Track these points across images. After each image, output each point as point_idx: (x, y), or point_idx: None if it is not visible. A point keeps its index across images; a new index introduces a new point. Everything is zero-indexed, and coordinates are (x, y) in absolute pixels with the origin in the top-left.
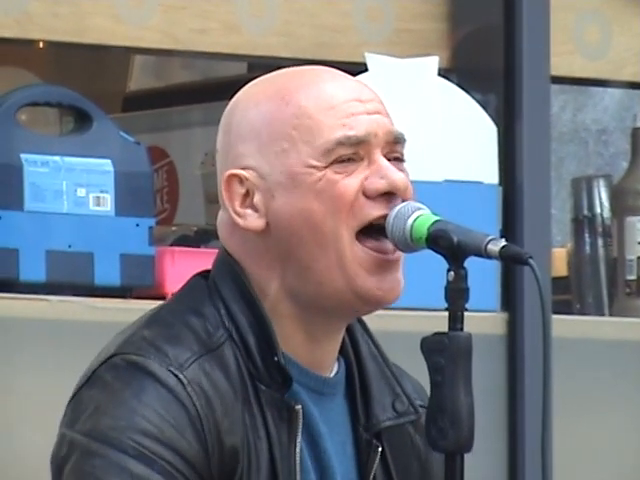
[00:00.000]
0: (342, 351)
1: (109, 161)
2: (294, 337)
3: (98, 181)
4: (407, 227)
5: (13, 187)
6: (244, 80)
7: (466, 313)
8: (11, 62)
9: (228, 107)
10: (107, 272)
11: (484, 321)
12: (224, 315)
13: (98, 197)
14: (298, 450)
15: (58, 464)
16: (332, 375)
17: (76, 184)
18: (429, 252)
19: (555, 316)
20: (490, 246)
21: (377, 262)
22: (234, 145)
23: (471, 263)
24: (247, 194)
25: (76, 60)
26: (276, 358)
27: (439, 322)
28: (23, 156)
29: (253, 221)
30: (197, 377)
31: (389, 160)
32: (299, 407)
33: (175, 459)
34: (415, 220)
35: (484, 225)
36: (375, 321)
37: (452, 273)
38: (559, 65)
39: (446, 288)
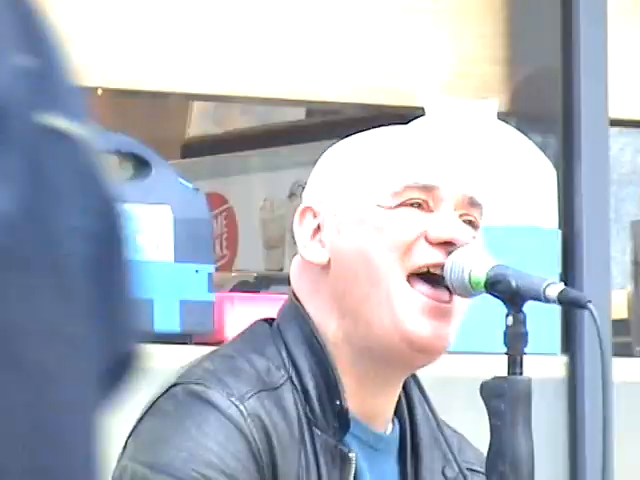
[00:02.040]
0: (397, 412)
1: (168, 207)
2: (348, 386)
3: (157, 228)
4: (466, 272)
5: None
6: (303, 125)
7: (526, 357)
8: None
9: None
10: (167, 319)
11: (544, 364)
12: (285, 358)
13: (157, 244)
14: None
15: None
16: (387, 433)
17: (135, 231)
18: (488, 297)
19: (615, 358)
20: (549, 290)
21: (428, 307)
22: (315, 182)
23: (532, 306)
24: (318, 228)
25: (135, 107)
26: (338, 402)
27: (499, 367)
28: None
29: (317, 255)
30: (257, 411)
31: (463, 222)
32: (353, 455)
33: None
34: (474, 265)
35: (544, 269)
36: (435, 365)
37: (511, 317)
38: (617, 107)
39: (505, 332)
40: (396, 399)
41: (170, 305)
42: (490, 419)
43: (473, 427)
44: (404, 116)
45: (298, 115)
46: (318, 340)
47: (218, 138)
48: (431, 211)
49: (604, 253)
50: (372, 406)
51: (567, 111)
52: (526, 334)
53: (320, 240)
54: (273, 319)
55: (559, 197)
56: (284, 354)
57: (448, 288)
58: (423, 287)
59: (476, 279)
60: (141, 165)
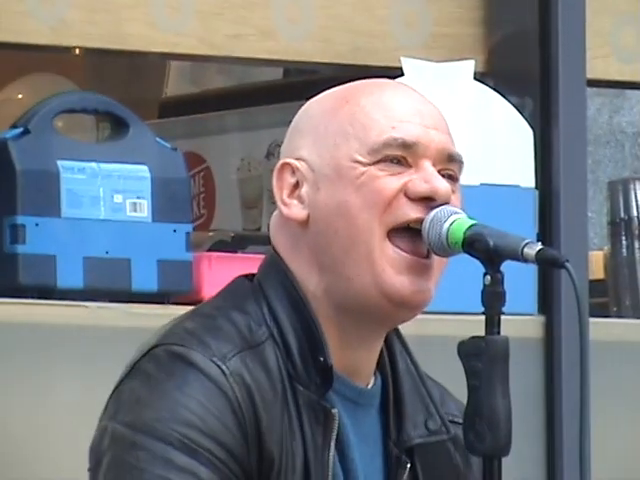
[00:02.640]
0: (379, 366)
1: (146, 167)
2: (331, 343)
3: (135, 187)
4: (443, 231)
5: (50, 194)
6: (280, 85)
7: (503, 316)
8: (48, 69)
9: (299, 111)
10: (144, 278)
11: (521, 324)
12: (266, 314)
13: (135, 203)
14: (332, 454)
15: (98, 456)
16: (369, 387)
17: (113, 190)
18: (465, 256)
19: (592, 319)
20: (526, 250)
21: (407, 263)
22: (293, 138)
23: (508, 266)
24: (297, 185)
25: (112, 67)
26: (322, 358)
27: (476, 326)
28: (60, 163)
29: (297, 211)
30: (239, 369)
31: (442, 176)
32: (335, 410)
33: (218, 450)
34: (452, 224)
35: (521, 229)
36: (412, 325)
37: (488, 277)
38: (595, 68)
39: (483, 292)
40: (378, 353)
41: (148, 264)
42: (468, 379)
43: (451, 387)
44: (381, 76)
45: (275, 75)
46: (299, 295)
47: (195, 98)
48: (410, 167)
49: (581, 213)
50: (354, 361)
51: (544, 71)
52: (504, 294)
53: (299, 196)
54: (254, 274)
55: (536, 157)
56: (265, 310)
57: None
58: (402, 243)
59: (454, 238)
60: (119, 125)
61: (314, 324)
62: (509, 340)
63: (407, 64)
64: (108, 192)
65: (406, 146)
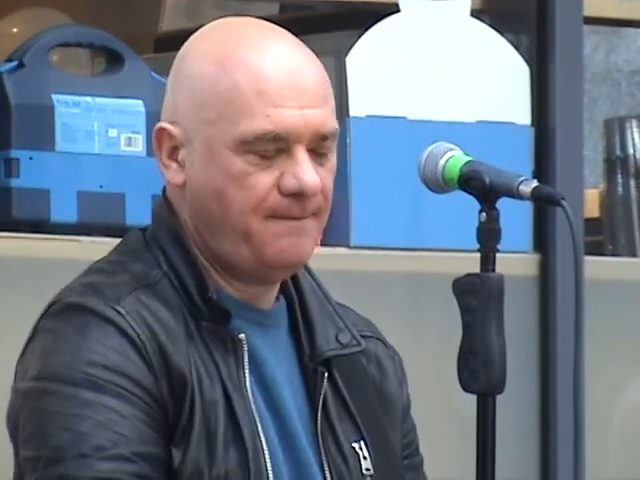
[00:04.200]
0: (283, 287)
1: (140, 102)
2: (222, 281)
3: (129, 122)
4: (439, 168)
5: (44, 128)
6: (276, 20)
7: (498, 254)
8: (43, 3)
9: (180, 52)
10: (139, 213)
11: (516, 262)
12: (161, 260)
13: (129, 138)
14: (247, 378)
15: (14, 419)
16: (271, 308)
17: (107, 125)
18: (461, 193)
19: (587, 257)
20: (522, 187)
21: (284, 228)
22: (173, 93)
23: (503, 204)
24: (175, 147)
25: (108, 1)
26: (209, 294)
27: (471, 263)
28: (55, 97)
29: (176, 175)
30: (135, 306)
31: (315, 154)
32: (242, 335)
33: (125, 382)
34: (447, 161)
35: (516, 166)
36: (408, 262)
37: (484, 214)
38: (592, 6)
39: (478, 229)
40: (277, 286)
41: (142, 199)
42: (462, 316)
43: (446, 324)
44: (378, 12)
45: (271, 10)
46: (183, 237)
47: (191, 33)
48: (282, 152)
49: (577, 151)
50: (254, 294)
51: (541, 9)
52: (499, 231)
53: (177, 160)
54: (146, 228)
55: (532, 94)
56: (160, 257)
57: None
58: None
59: (449, 175)
60: (114, 59)
61: (195, 262)
62: (504, 278)
63: (404, 1)
64: (103, 126)
65: (278, 139)
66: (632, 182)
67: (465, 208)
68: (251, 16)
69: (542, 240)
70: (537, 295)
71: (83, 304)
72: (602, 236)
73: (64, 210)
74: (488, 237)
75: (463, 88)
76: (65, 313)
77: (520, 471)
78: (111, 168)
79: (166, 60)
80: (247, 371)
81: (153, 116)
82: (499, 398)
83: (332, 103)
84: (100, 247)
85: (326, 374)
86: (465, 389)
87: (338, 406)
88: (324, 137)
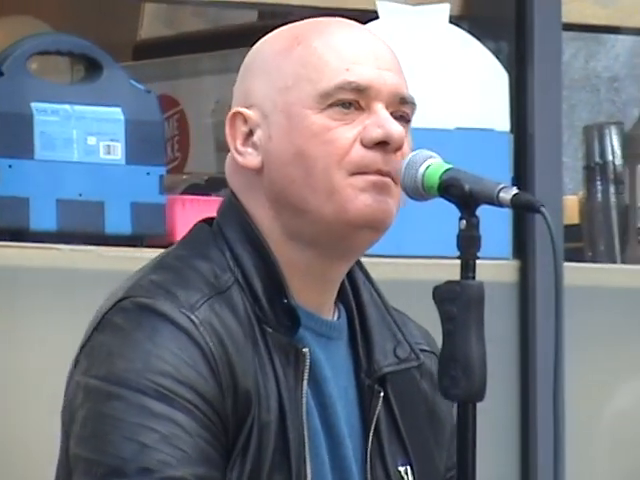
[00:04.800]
0: (342, 297)
1: (119, 109)
2: (295, 280)
3: (109, 129)
4: (419, 175)
5: (23, 136)
6: (254, 28)
7: (478, 261)
8: (22, 11)
9: (248, 54)
10: (118, 221)
11: (496, 269)
12: (229, 259)
13: (109, 145)
14: (304, 392)
15: (72, 411)
16: (335, 319)
17: (87, 132)
18: (441, 201)
19: (567, 264)
20: (502, 194)
21: (369, 181)
22: (245, 81)
23: (483, 211)
24: (250, 133)
25: (87, 8)
26: (285, 300)
27: (452, 270)
28: (33, 105)
29: (251, 160)
30: (208, 317)
31: (395, 118)
32: (306, 350)
33: (194, 397)
34: (427, 168)
35: (496, 173)
36: (388, 269)
37: (464, 221)
38: (571, 12)
39: (458, 236)
40: (339, 285)
41: (121, 207)
42: (442, 323)
43: None
44: (357, 19)
45: (250, 17)
46: (259, 237)
47: (170, 40)
48: (362, 110)
49: (556, 157)
50: (321, 297)
51: (520, 15)
52: (479, 238)
53: (253, 143)
54: (213, 218)
55: (511, 101)
56: (228, 255)
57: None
58: (360, 175)
59: (429, 182)
60: (93, 67)
61: (274, 266)
62: (484, 285)
63: (382, 7)
64: (82, 134)
65: (359, 90)
66: (611, 188)
67: (445, 215)
68: (230, 23)
69: (522, 247)
70: (517, 302)
71: (157, 308)
72: (582, 242)
73: (43, 218)
74: (468, 244)
75: (442, 95)
76: (136, 313)
77: (501, 478)
78: (90, 176)
79: (145, 67)
80: (305, 386)
81: (132, 124)
82: (479, 405)
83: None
84: (80, 255)
85: (381, 394)
86: (445, 396)
87: (389, 427)
88: (403, 99)
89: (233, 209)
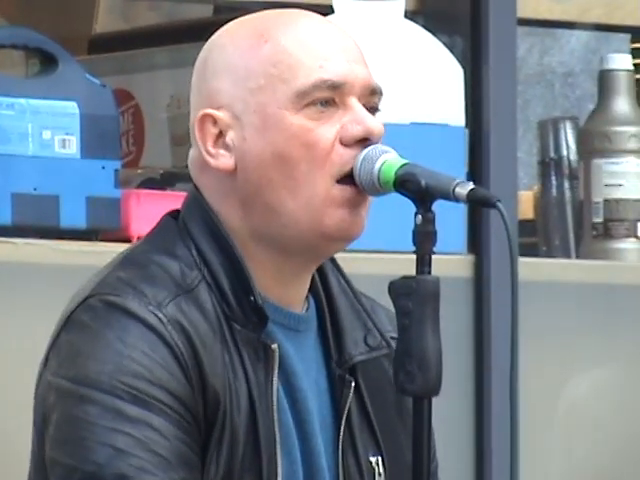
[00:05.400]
0: (311, 288)
1: (75, 103)
2: (263, 277)
3: (64, 123)
4: (375, 171)
5: None
6: (210, 22)
7: (433, 256)
8: None
9: (204, 47)
10: (73, 215)
11: (451, 264)
12: (196, 256)
13: (64, 139)
14: (275, 389)
15: (44, 412)
16: (304, 311)
17: (41, 126)
18: (397, 195)
19: (522, 259)
20: (458, 189)
21: (348, 196)
22: (209, 81)
23: (437, 205)
24: (220, 134)
25: (42, 2)
26: (252, 298)
27: (407, 265)
28: None
29: (224, 161)
30: (176, 315)
31: (367, 110)
32: (275, 346)
33: (168, 398)
34: (383, 164)
35: (451, 167)
36: (343, 264)
37: (420, 216)
38: (525, 7)
39: (414, 231)
40: (310, 278)
41: (76, 201)
42: (398, 318)
43: None
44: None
45: (205, 12)
46: (225, 236)
47: (125, 34)
48: (337, 106)
49: (511, 152)
50: (290, 292)
51: (475, 10)
52: (435, 233)
53: (224, 144)
54: (179, 211)
55: (466, 96)
56: (194, 252)
57: None
58: (341, 186)
59: (385, 178)
60: (48, 61)
61: (240, 264)
62: (440, 280)
63: (337, 2)
64: (37, 128)
65: (335, 86)
66: (566, 184)
67: (400, 209)
68: (185, 17)
69: (476, 241)
70: (472, 296)
71: (125, 305)
72: (536, 237)
73: None
74: (424, 239)
75: (397, 90)
76: (104, 311)
77: (456, 472)
78: (45, 170)
79: (100, 62)
80: (275, 382)
81: (87, 118)
82: (435, 400)
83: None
84: (35, 249)
85: (353, 384)
86: (401, 392)
87: (361, 417)
88: (373, 91)
89: (197, 205)
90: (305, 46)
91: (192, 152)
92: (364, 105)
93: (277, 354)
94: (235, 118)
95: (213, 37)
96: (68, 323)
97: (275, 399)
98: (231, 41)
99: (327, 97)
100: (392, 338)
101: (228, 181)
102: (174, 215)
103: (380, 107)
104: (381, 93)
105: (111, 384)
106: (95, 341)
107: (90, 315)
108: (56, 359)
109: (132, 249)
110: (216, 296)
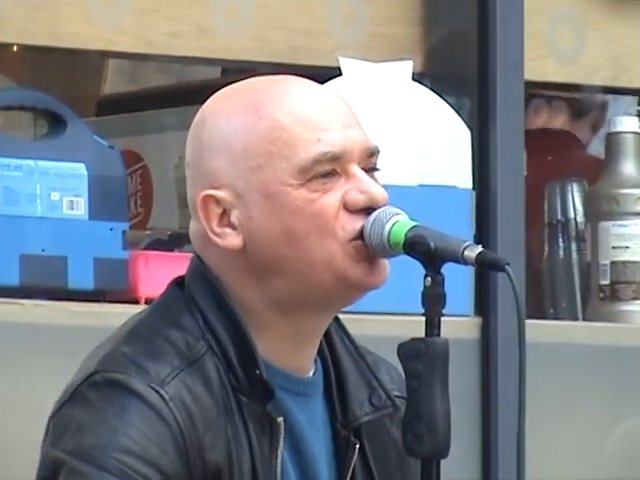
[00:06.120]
0: (318, 349)
1: (83, 165)
2: (277, 345)
3: (72, 185)
4: (385, 233)
5: None
6: (218, 84)
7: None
8: None
9: (196, 120)
10: (81, 276)
11: (458, 325)
12: (203, 326)
13: (72, 201)
14: (279, 462)
15: None
16: (312, 375)
17: (50, 188)
18: (406, 257)
19: (528, 320)
20: (467, 252)
21: (365, 252)
22: (206, 160)
23: (445, 266)
24: (224, 212)
25: (50, 64)
26: (258, 371)
27: (416, 327)
28: None
29: (232, 240)
30: (179, 392)
31: (365, 171)
32: (280, 419)
33: (157, 476)
34: (393, 225)
35: (458, 229)
36: (352, 325)
37: (429, 279)
38: (533, 70)
39: (423, 294)
40: (319, 342)
41: (84, 262)
42: (407, 380)
43: None
44: (320, 76)
45: (213, 74)
46: (231, 306)
47: (134, 96)
48: (339, 175)
49: (518, 214)
50: (303, 357)
51: (482, 72)
52: (444, 295)
53: (230, 223)
54: (184, 277)
55: (474, 158)
56: (201, 322)
57: None
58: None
59: (395, 240)
60: (56, 122)
61: (245, 335)
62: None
63: (345, 64)
64: (45, 190)
65: (335, 158)
66: (573, 246)
67: (410, 271)
68: (193, 79)
69: (483, 303)
70: (479, 358)
71: (128, 384)
72: (543, 299)
73: (6, 273)
74: (433, 302)
75: (405, 151)
76: (108, 389)
77: None
78: (53, 231)
79: (109, 123)
80: (279, 454)
81: (95, 179)
82: (442, 461)
83: None
84: (43, 310)
85: (357, 446)
86: (410, 453)
87: (364, 478)
88: (372, 153)
89: (202, 276)
90: (300, 119)
91: (193, 225)
92: (363, 168)
93: (282, 427)
94: (238, 197)
95: (204, 111)
96: (73, 397)
97: (279, 471)
98: (225, 118)
99: (328, 169)
100: (397, 397)
101: (237, 257)
102: (180, 282)
103: (379, 166)
104: (378, 152)
105: (103, 459)
106: (95, 418)
107: (94, 392)
108: (56, 431)
109: (138, 321)
110: (223, 366)
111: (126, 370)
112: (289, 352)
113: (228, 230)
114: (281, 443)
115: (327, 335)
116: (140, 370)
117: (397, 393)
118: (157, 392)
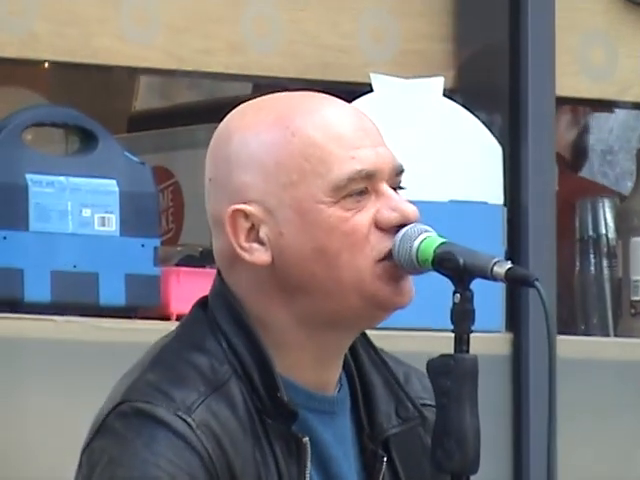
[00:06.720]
0: (343, 365)
1: (114, 181)
2: (302, 363)
3: (103, 201)
4: (413, 249)
5: (18, 207)
6: (250, 100)
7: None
8: (16, 82)
9: (220, 135)
10: (112, 292)
11: (488, 342)
12: (226, 349)
13: (103, 217)
14: None
15: None
16: (337, 392)
17: (81, 204)
18: (435, 273)
19: (559, 336)
20: (496, 268)
21: (393, 272)
22: (235, 175)
23: (476, 282)
24: (252, 227)
25: (81, 80)
26: (279, 394)
27: (446, 343)
28: (28, 176)
29: (260, 256)
30: (205, 419)
31: (394, 189)
32: (306, 439)
33: None
34: (421, 242)
35: (489, 245)
36: (380, 341)
37: (458, 295)
38: (564, 86)
39: (452, 310)
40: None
41: (115, 279)
42: (436, 397)
43: None
44: (351, 92)
45: (245, 90)
46: (251, 326)
47: (165, 112)
48: (370, 193)
49: (549, 230)
50: (327, 375)
51: (514, 88)
52: (473, 312)
53: (258, 240)
54: (207, 298)
55: (505, 174)
56: (224, 345)
57: None
58: (382, 263)
59: (424, 256)
60: (88, 138)
61: (265, 357)
62: (478, 358)
63: (376, 80)
64: (76, 206)
65: (368, 176)
66: (605, 262)
67: (439, 287)
68: (225, 95)
69: (514, 319)
70: (509, 374)
71: (154, 414)
72: (575, 315)
73: (38, 289)
74: (462, 318)
75: (436, 167)
76: (135, 419)
77: None
78: (85, 247)
79: (140, 139)
80: (307, 475)
81: (127, 196)
82: (473, 478)
83: None
84: (74, 326)
85: (385, 459)
86: (439, 469)
87: None
88: (399, 172)
89: (223, 297)
90: (333, 136)
91: (217, 242)
92: (391, 186)
93: (309, 447)
94: (268, 213)
95: (229, 126)
96: (101, 429)
97: None
98: (254, 134)
99: (362, 188)
100: (425, 405)
101: (264, 273)
102: (204, 302)
103: (403, 184)
104: (403, 170)
105: None
106: (125, 449)
107: (121, 423)
108: (88, 464)
109: (162, 347)
110: (247, 389)
111: (152, 399)
112: (313, 370)
113: (256, 245)
114: (309, 463)
115: (352, 348)
116: (166, 398)
117: (428, 402)
118: (184, 420)
